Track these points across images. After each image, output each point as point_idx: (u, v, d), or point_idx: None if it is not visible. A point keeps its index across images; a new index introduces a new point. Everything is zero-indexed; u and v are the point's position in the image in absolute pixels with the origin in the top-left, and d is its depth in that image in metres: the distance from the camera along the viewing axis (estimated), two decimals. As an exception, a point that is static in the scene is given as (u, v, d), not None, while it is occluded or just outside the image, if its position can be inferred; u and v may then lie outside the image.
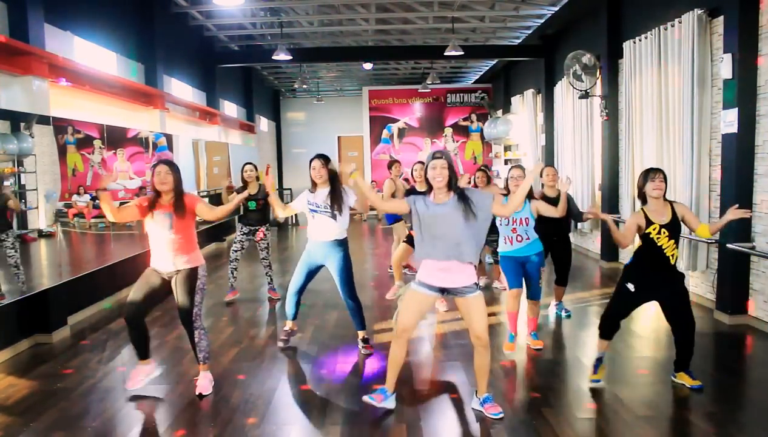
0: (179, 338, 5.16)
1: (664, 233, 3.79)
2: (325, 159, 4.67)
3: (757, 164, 5.31)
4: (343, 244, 4.72)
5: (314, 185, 4.69)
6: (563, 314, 5.80)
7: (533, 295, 4.88)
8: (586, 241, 9.53)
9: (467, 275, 3.49)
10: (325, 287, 7.14)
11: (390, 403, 3.73)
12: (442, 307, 6.04)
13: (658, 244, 3.81)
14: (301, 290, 4.89)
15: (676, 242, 3.85)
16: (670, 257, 3.84)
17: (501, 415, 3.56)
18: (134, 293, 4.01)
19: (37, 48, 5.15)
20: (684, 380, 4.02)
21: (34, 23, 5.25)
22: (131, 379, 4.09)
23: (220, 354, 4.87)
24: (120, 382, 4.27)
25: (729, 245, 5.41)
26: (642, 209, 3.90)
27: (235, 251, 6.66)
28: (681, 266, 6.35)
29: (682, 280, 3.97)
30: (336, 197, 4.58)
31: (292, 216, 14.51)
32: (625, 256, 7.44)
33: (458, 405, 3.82)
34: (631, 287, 3.90)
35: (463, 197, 3.45)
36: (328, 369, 4.53)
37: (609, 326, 4.05)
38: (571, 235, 9.77)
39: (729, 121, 5.40)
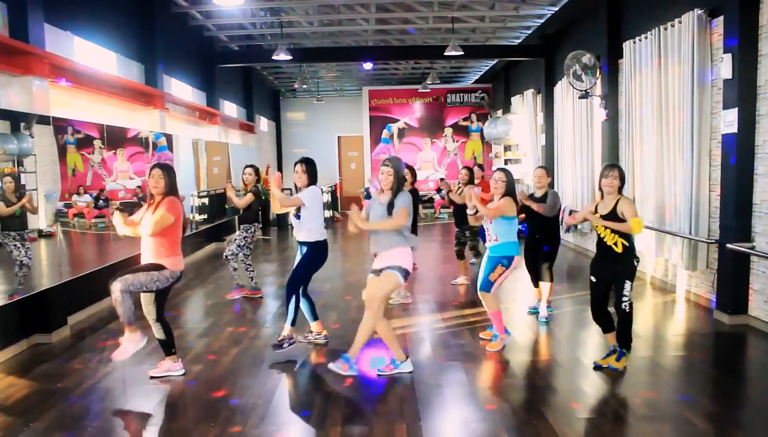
0: (178, 338, 5.15)
1: (598, 221, 4.22)
2: (305, 164, 4.77)
3: (757, 164, 5.31)
4: (311, 245, 4.81)
5: (297, 187, 4.89)
6: (531, 310, 5.84)
7: (481, 286, 4.90)
8: (586, 241, 9.53)
9: (387, 258, 4.16)
10: (325, 287, 7.15)
11: (407, 367, 4.31)
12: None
13: (597, 231, 4.26)
14: (304, 292, 4.98)
15: (614, 232, 4.16)
16: (612, 246, 4.19)
17: (340, 370, 4.18)
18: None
19: (37, 48, 5.15)
20: (610, 360, 4.32)
21: (34, 23, 5.25)
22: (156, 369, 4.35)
23: (221, 353, 4.87)
24: (120, 382, 4.27)
25: (729, 245, 5.41)
26: (600, 199, 4.35)
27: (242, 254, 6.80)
28: (681, 266, 6.36)
29: (623, 267, 4.22)
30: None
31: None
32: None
33: (458, 405, 3.82)
34: (593, 278, 4.36)
35: (392, 201, 4.14)
36: (328, 368, 4.53)
37: (599, 320, 4.39)
38: (570, 235, 9.96)
39: (729, 121, 5.40)
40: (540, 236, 5.69)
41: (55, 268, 5.77)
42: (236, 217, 6.81)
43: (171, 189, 4.15)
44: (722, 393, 3.97)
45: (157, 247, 4.11)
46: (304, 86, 15.26)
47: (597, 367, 4.32)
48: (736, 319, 5.44)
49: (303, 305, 4.97)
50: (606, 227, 4.17)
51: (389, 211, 4.12)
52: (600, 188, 4.31)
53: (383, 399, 3.96)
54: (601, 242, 4.26)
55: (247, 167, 6.81)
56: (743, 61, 5.23)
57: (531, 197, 5.61)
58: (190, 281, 7.79)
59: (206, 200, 10.08)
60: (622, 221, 4.09)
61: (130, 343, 4.16)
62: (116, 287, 4.00)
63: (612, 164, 4.33)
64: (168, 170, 4.16)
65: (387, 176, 4.17)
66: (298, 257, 4.96)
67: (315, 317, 5.06)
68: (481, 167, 8.04)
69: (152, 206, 4.16)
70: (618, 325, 4.29)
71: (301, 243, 4.87)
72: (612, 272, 4.26)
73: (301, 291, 4.92)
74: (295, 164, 4.83)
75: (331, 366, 4.24)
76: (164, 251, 4.12)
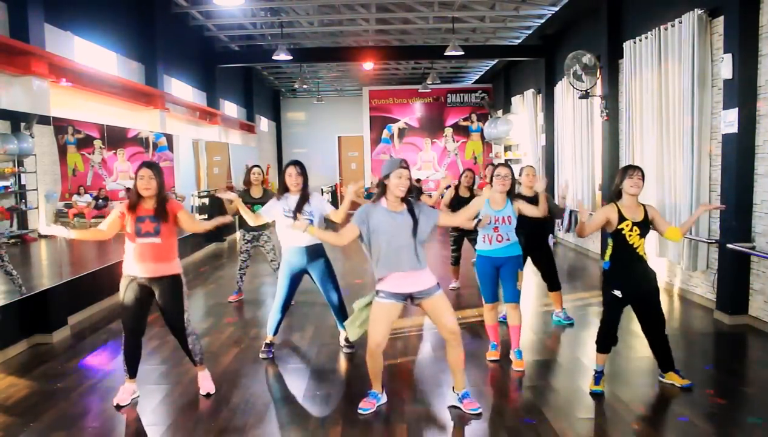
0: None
1: (635, 230, 3.83)
2: (300, 166, 4.62)
3: (757, 164, 5.31)
4: (321, 248, 4.70)
5: (286, 190, 4.61)
6: (565, 321, 5.52)
7: (511, 298, 4.50)
8: (586, 241, 9.53)
9: (429, 276, 3.62)
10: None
11: (383, 398, 3.83)
12: None
13: (630, 242, 3.84)
14: (286, 306, 4.76)
15: (643, 238, 3.90)
16: (643, 255, 3.88)
17: (479, 410, 3.62)
18: (127, 309, 3.89)
19: (37, 48, 5.15)
20: (674, 379, 4.00)
21: (34, 23, 5.25)
22: (121, 396, 3.92)
23: (220, 353, 4.87)
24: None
25: (729, 245, 5.41)
26: (615, 203, 3.92)
27: (243, 260, 6.59)
28: (681, 266, 6.37)
29: (656, 278, 4.00)
30: (301, 205, 4.53)
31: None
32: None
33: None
34: (618, 293, 3.88)
35: (412, 210, 3.59)
36: (329, 368, 4.53)
37: (608, 341, 3.98)
38: (570, 235, 9.97)
39: (729, 121, 5.40)
40: (533, 241, 5.27)
41: (55, 268, 5.77)
42: (239, 223, 6.53)
43: (162, 189, 3.88)
44: (722, 393, 3.97)
45: (168, 250, 3.88)
46: (305, 86, 15.25)
47: (594, 394, 3.98)
48: (736, 319, 5.44)
49: (279, 316, 4.76)
50: (641, 236, 3.84)
51: (415, 230, 3.55)
52: (617, 189, 3.92)
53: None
54: (631, 251, 3.86)
55: (255, 166, 6.43)
56: (743, 61, 5.23)
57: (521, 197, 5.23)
58: (190, 281, 7.79)
59: (206, 200, 10.08)
60: (652, 229, 3.94)
61: (207, 381, 4.09)
62: (188, 332, 3.98)
63: (633, 165, 3.98)
64: (157, 170, 3.91)
65: (405, 180, 3.55)
66: (293, 268, 4.67)
67: (275, 333, 4.86)
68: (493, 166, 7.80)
69: (145, 209, 3.85)
70: (664, 349, 4.01)
71: (315, 247, 4.64)
72: (646, 290, 3.91)
73: (284, 303, 4.72)
74: (287, 166, 4.61)
75: (473, 411, 3.64)
76: (175, 251, 3.96)
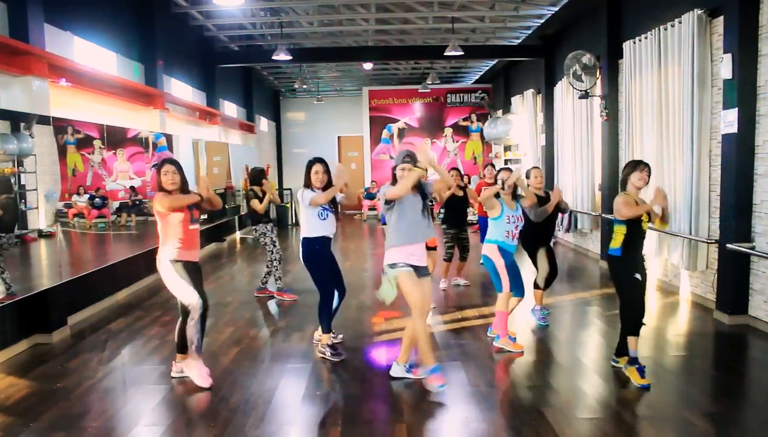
0: (179, 338, 5.15)
1: (645, 217, 4.18)
2: (326, 164, 4.88)
3: (757, 164, 5.31)
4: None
5: (309, 185, 4.81)
6: (542, 322, 5.53)
7: (522, 293, 4.95)
8: (586, 241, 9.53)
9: (424, 253, 4.11)
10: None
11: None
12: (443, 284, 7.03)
13: (642, 228, 4.18)
14: (333, 295, 4.89)
15: None
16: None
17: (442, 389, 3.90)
18: (200, 288, 4.28)
19: (37, 48, 5.15)
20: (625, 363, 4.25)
21: (34, 23, 5.25)
22: (204, 378, 4.17)
23: (220, 353, 4.87)
24: (120, 382, 4.28)
25: (729, 245, 5.41)
26: (628, 193, 4.20)
27: (278, 251, 6.81)
28: (681, 266, 6.37)
29: None
30: (334, 200, 4.89)
31: (292, 215, 14.81)
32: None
33: (458, 405, 3.82)
34: (639, 276, 4.15)
35: (422, 191, 4.05)
36: (329, 368, 4.53)
37: (638, 322, 4.16)
38: (570, 235, 9.98)
39: (729, 121, 5.40)
40: (541, 243, 5.48)
41: (55, 268, 5.77)
42: (259, 217, 6.81)
43: (185, 183, 4.21)
44: (722, 393, 3.97)
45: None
46: (304, 86, 15.25)
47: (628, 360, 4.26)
48: (736, 319, 5.44)
49: (333, 307, 4.90)
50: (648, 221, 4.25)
51: (424, 199, 4.03)
52: (624, 180, 4.20)
53: (383, 398, 3.96)
54: (641, 236, 4.19)
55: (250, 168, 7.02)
56: (743, 61, 5.23)
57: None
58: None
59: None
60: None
61: (202, 369, 4.25)
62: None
63: (644, 161, 4.26)
64: (178, 165, 4.23)
65: (408, 172, 3.98)
66: (326, 257, 4.85)
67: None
68: (493, 166, 7.97)
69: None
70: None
71: (330, 238, 4.89)
72: (645, 269, 4.26)
73: (332, 292, 4.88)
74: (312, 163, 4.78)
75: (439, 389, 3.90)
76: None
